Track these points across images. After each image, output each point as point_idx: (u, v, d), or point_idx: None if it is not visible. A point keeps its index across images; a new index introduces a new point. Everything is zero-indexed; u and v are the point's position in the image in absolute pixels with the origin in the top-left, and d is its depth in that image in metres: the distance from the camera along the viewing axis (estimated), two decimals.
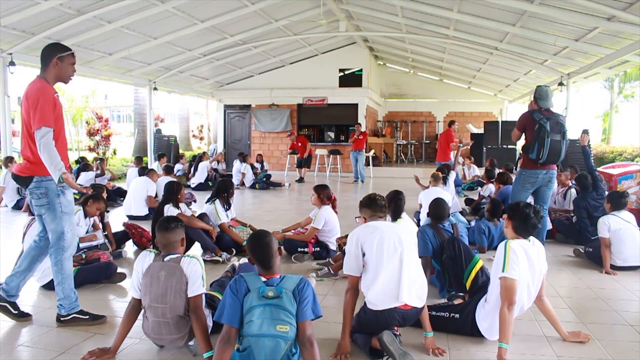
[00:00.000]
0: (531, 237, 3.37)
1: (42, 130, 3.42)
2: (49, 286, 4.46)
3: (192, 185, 12.60)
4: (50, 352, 3.19)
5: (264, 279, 2.76)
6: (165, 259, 3.14)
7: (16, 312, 3.75)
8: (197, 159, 13.42)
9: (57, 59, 3.63)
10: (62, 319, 3.67)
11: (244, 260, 4.75)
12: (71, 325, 3.64)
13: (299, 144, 15.37)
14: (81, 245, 5.37)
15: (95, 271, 4.71)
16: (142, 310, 3.17)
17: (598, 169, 9.40)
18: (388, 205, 4.76)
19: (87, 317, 3.69)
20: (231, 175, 13.72)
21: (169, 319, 3.05)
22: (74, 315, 3.68)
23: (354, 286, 3.21)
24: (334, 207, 5.83)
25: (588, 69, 11.53)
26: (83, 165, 10.76)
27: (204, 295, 3.16)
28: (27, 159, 3.60)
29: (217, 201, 6.06)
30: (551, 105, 5.62)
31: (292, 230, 6.11)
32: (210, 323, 3.24)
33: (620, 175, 7.81)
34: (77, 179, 9.29)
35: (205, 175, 12.82)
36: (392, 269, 3.11)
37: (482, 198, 8.79)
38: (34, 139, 3.46)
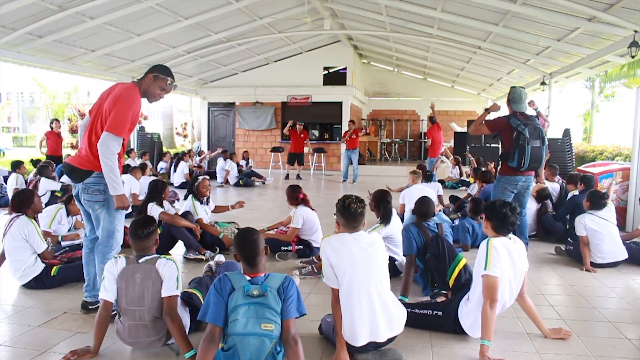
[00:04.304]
0: (511, 235, 3.41)
1: (112, 137, 3.48)
2: (29, 285, 4.42)
3: (175, 184, 12.49)
4: (31, 352, 3.15)
5: (248, 278, 2.75)
6: (140, 261, 3.11)
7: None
8: (176, 159, 13.31)
9: (153, 75, 3.75)
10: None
11: (222, 257, 4.74)
12: None
13: (302, 135, 14.94)
14: (63, 243, 5.32)
15: (77, 270, 4.63)
16: (116, 315, 3.11)
17: (579, 167, 9.56)
18: (377, 208, 4.79)
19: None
20: (214, 172, 13.70)
21: (147, 321, 3.01)
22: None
23: (336, 298, 3.02)
24: (308, 205, 5.80)
25: (570, 69, 11.66)
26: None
27: (179, 297, 3.12)
28: (92, 153, 3.60)
29: (192, 197, 6.05)
30: (525, 108, 5.47)
31: (275, 229, 6.11)
32: (187, 322, 3.22)
33: (600, 174, 7.91)
34: (60, 177, 9.19)
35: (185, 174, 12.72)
36: (366, 306, 2.97)
37: (469, 196, 8.77)
38: None
